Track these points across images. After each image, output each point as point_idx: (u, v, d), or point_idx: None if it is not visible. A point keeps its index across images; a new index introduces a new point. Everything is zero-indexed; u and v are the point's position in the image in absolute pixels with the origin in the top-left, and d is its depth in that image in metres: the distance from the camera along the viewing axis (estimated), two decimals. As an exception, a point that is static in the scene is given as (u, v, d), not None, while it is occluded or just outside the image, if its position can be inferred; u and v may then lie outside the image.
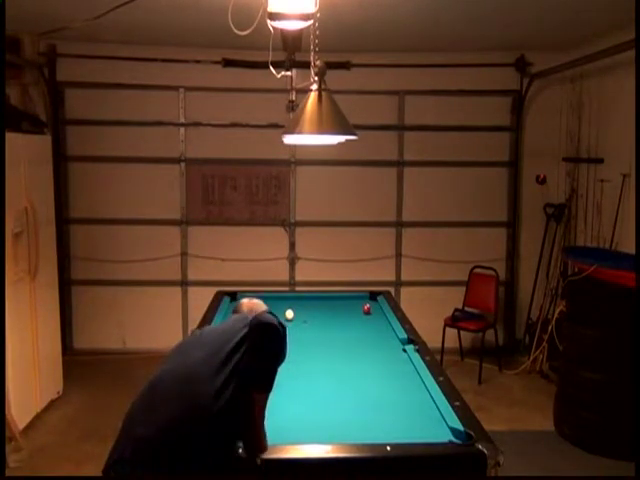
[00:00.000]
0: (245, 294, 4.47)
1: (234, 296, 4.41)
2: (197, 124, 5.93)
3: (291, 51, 4.23)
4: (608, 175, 4.99)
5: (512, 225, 6.14)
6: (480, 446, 2.13)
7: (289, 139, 3.15)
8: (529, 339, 5.88)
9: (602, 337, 4.21)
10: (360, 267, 6.07)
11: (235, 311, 2.63)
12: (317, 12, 2.86)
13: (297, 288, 6.06)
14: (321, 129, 2.85)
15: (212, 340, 2.21)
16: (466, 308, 5.84)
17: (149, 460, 1.95)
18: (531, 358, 5.64)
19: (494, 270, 5.88)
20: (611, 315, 4.18)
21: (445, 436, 2.24)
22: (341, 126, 2.87)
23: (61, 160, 5.77)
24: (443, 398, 2.58)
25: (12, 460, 3.90)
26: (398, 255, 6.16)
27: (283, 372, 2.97)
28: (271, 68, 3.55)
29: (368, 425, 2.42)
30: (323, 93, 2.83)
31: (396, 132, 6.03)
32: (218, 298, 4.32)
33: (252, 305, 2.60)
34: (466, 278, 5.97)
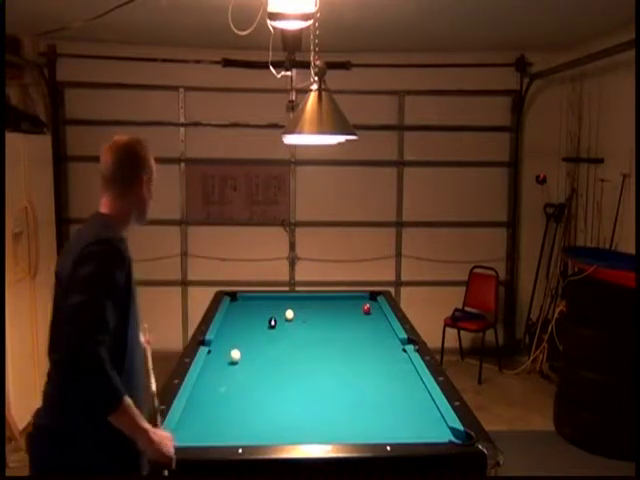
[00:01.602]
0: (245, 294, 4.50)
1: (234, 296, 4.42)
2: (197, 124, 5.93)
3: (291, 51, 4.23)
4: (608, 175, 4.98)
5: (512, 225, 6.14)
6: (480, 446, 2.14)
7: (289, 139, 3.15)
8: (529, 339, 5.88)
9: (602, 337, 4.21)
10: (360, 267, 6.06)
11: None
12: (317, 12, 2.86)
13: (297, 288, 6.05)
14: (321, 129, 2.85)
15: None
16: (466, 308, 5.84)
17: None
18: (531, 358, 5.64)
19: (494, 270, 5.88)
20: (611, 315, 4.18)
21: (445, 436, 2.24)
22: (341, 126, 2.87)
23: (61, 160, 5.77)
24: (443, 398, 2.58)
25: (12, 460, 3.90)
26: (398, 255, 6.16)
27: (283, 372, 2.99)
28: (271, 68, 3.55)
29: (368, 425, 2.41)
30: (323, 93, 2.83)
31: (396, 132, 6.02)
32: (218, 298, 4.32)
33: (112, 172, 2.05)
34: (466, 278, 5.97)
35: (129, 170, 2.03)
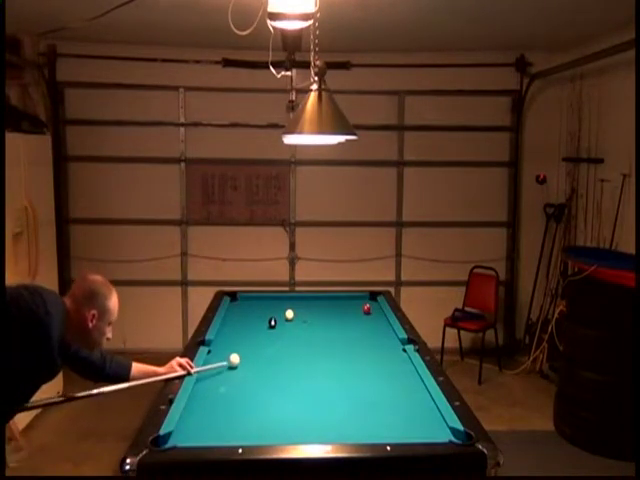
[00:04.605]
0: (245, 294, 4.50)
1: (234, 296, 4.42)
2: (197, 124, 5.93)
3: (291, 51, 4.23)
4: (608, 175, 4.98)
5: (512, 225, 6.14)
6: (480, 446, 2.13)
7: (289, 139, 3.15)
8: (529, 339, 5.88)
9: (602, 337, 4.21)
10: (360, 267, 6.07)
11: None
12: (317, 12, 2.86)
13: (297, 288, 6.06)
14: (321, 129, 2.85)
15: None
16: (466, 308, 5.84)
17: None
18: (531, 358, 5.64)
19: (494, 270, 5.88)
20: (611, 315, 4.19)
21: (445, 436, 2.24)
22: (341, 126, 2.87)
23: (61, 160, 5.76)
24: (443, 398, 2.57)
25: (12, 460, 3.90)
26: (398, 255, 6.16)
27: (283, 372, 2.99)
28: (271, 68, 3.55)
29: (368, 425, 2.41)
30: (323, 93, 2.83)
31: (396, 132, 6.03)
32: (218, 298, 4.32)
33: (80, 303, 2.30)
34: (466, 278, 5.97)
35: (83, 299, 2.33)
